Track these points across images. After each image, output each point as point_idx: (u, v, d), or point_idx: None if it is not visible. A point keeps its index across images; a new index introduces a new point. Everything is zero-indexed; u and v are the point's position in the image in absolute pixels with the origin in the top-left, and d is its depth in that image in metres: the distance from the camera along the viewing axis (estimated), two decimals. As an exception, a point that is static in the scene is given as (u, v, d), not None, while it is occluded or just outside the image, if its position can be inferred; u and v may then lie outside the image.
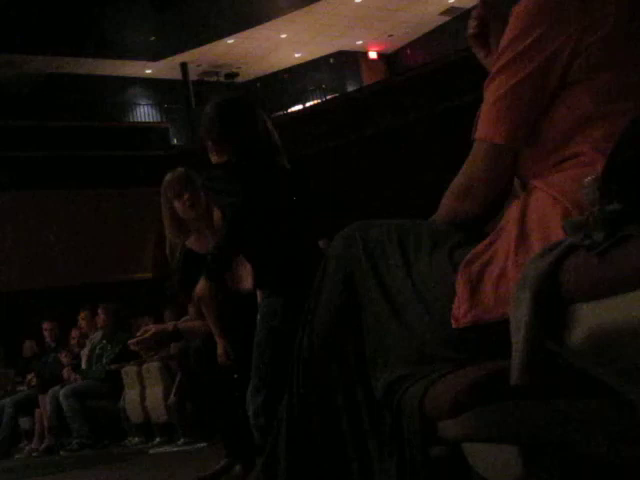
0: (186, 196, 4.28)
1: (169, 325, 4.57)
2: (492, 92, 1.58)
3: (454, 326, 1.50)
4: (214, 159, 3.48)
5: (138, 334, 4.29)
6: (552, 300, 1.26)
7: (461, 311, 1.49)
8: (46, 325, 10.26)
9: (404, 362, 1.58)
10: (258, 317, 3.40)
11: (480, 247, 1.54)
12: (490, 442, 1.44)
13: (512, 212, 1.55)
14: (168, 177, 4.43)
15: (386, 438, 1.59)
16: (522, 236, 1.48)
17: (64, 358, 9.47)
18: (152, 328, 4.32)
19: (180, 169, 4.46)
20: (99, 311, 9.12)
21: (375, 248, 1.68)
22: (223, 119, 3.43)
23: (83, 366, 9.20)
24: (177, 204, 4.33)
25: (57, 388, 8.88)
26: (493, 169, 1.60)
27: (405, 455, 1.54)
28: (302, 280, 2.82)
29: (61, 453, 8.65)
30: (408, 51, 24.44)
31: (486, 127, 1.59)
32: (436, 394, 1.46)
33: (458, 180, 1.67)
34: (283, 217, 3.35)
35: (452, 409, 1.41)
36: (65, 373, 9.24)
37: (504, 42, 1.58)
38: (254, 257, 3.46)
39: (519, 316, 1.28)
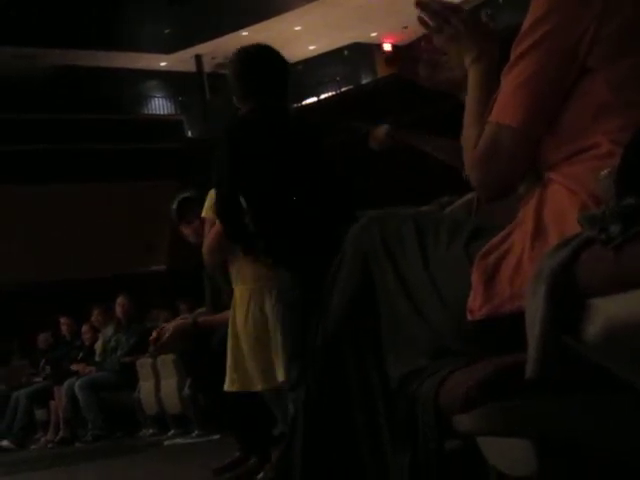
0: (197, 223, 4.20)
1: (187, 321, 4.51)
2: (513, 78, 1.55)
3: (469, 319, 1.49)
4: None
5: (155, 334, 4.18)
6: (568, 294, 1.25)
7: (476, 304, 1.48)
8: (63, 320, 10.31)
9: (419, 353, 1.58)
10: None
11: (496, 240, 1.53)
12: (505, 436, 1.44)
13: (528, 205, 1.54)
14: (174, 205, 4.33)
15: (400, 431, 1.59)
16: (538, 229, 1.47)
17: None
18: (170, 328, 4.19)
19: (187, 194, 4.39)
20: (117, 302, 9.14)
21: (392, 239, 1.67)
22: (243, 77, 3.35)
23: (97, 358, 9.24)
24: (186, 231, 4.27)
25: (72, 380, 8.93)
26: (513, 154, 1.57)
27: (419, 448, 1.53)
28: (315, 253, 2.80)
29: (76, 444, 8.70)
30: (423, 43, 24.36)
31: (505, 111, 1.56)
32: (451, 387, 1.46)
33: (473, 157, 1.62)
34: (299, 183, 3.27)
35: (467, 402, 1.41)
36: (75, 367, 9.29)
37: (525, 27, 1.54)
38: (267, 229, 3.38)
39: (534, 310, 1.27)
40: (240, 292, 3.66)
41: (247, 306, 3.61)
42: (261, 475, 3.77)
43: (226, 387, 3.65)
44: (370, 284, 1.67)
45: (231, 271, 3.77)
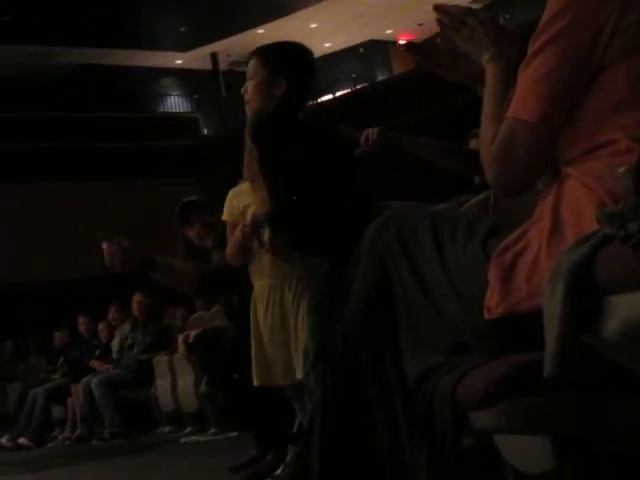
0: (198, 225, 4.19)
1: (208, 326, 4.53)
2: (530, 74, 1.54)
3: (486, 317, 1.49)
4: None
5: (180, 340, 4.24)
6: (586, 291, 1.25)
7: (493, 302, 1.48)
8: (81, 319, 10.34)
9: (437, 351, 1.58)
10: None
11: (513, 237, 1.53)
12: (522, 433, 1.44)
13: (546, 201, 1.53)
14: (178, 208, 4.31)
15: (418, 428, 1.59)
16: (555, 226, 1.46)
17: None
18: (192, 334, 4.24)
19: (191, 197, 4.37)
20: (133, 300, 9.17)
21: (409, 238, 1.66)
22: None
23: (114, 356, 9.27)
24: (190, 233, 4.25)
25: (89, 377, 8.96)
26: (531, 149, 1.56)
27: (437, 445, 1.53)
28: (341, 238, 2.77)
29: (93, 442, 8.73)
30: (438, 40, 24.31)
31: (523, 107, 1.55)
32: (468, 385, 1.45)
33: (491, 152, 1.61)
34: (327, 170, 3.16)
35: (484, 400, 1.40)
36: (93, 363, 9.34)
37: (543, 21, 1.53)
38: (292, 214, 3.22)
39: (552, 307, 1.27)
40: (260, 288, 3.64)
41: (267, 302, 3.59)
42: (278, 471, 3.76)
43: (255, 383, 3.64)
44: (387, 283, 1.67)
45: (249, 267, 3.74)
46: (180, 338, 7.33)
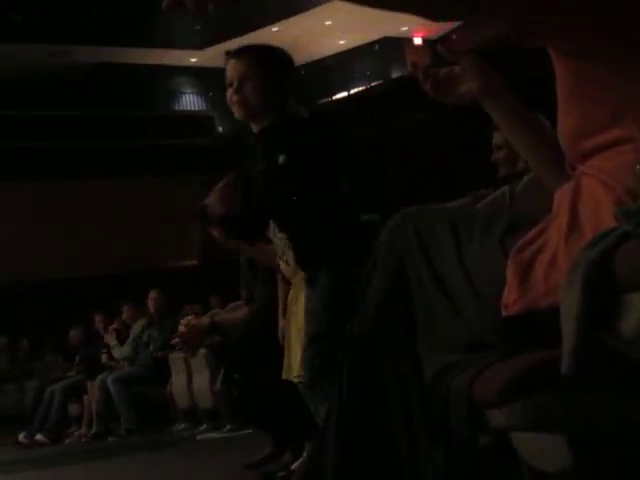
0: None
1: (205, 319, 4.55)
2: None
3: (504, 314, 1.49)
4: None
5: (178, 334, 4.27)
6: (604, 289, 1.24)
7: (511, 299, 1.47)
8: (98, 317, 10.38)
9: (453, 348, 1.57)
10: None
11: (531, 234, 1.52)
12: (539, 432, 1.43)
13: (563, 198, 1.52)
14: (200, 208, 4.25)
15: (435, 426, 1.58)
16: (573, 224, 1.45)
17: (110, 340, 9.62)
18: (184, 328, 4.25)
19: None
20: (148, 297, 9.20)
21: (426, 236, 1.66)
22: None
23: (129, 353, 9.30)
24: (214, 233, 4.22)
25: (105, 374, 9.00)
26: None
27: (453, 443, 1.53)
28: (347, 250, 2.77)
29: (109, 439, 8.77)
30: (454, 36, 24.24)
31: None
32: (484, 383, 1.45)
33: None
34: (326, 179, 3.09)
35: (501, 398, 1.40)
36: (104, 358, 9.40)
37: None
38: (295, 228, 3.19)
39: (570, 305, 1.27)
40: (297, 282, 3.59)
41: (297, 296, 3.56)
42: (294, 466, 3.74)
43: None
44: (404, 281, 1.67)
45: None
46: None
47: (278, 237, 3.44)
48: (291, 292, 3.62)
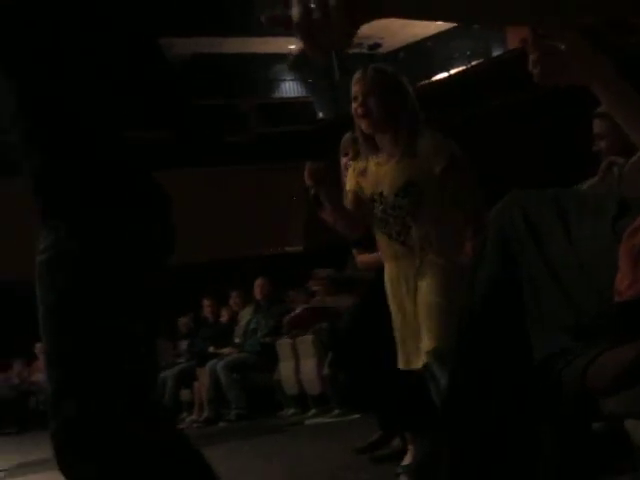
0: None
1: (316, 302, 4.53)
2: None
3: (617, 300, 1.45)
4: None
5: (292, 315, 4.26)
6: None
7: (624, 285, 1.44)
8: (207, 302, 10.55)
9: (564, 334, 1.55)
10: None
11: (642, 219, 1.49)
12: (655, 418, 1.40)
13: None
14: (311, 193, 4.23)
15: (546, 413, 1.56)
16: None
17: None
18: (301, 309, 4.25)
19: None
20: (255, 284, 9.31)
21: (535, 220, 1.64)
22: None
23: (238, 340, 9.43)
24: (325, 217, 4.19)
25: (215, 361, 9.15)
26: None
27: (566, 430, 1.51)
28: None
29: (220, 424, 8.92)
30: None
31: None
32: (598, 369, 1.42)
33: None
34: None
35: (615, 385, 1.37)
36: (212, 349, 9.54)
37: None
38: None
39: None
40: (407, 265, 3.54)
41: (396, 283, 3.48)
42: (407, 460, 3.68)
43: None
44: (512, 264, 1.65)
45: None
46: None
47: (393, 215, 3.41)
48: (391, 273, 3.50)
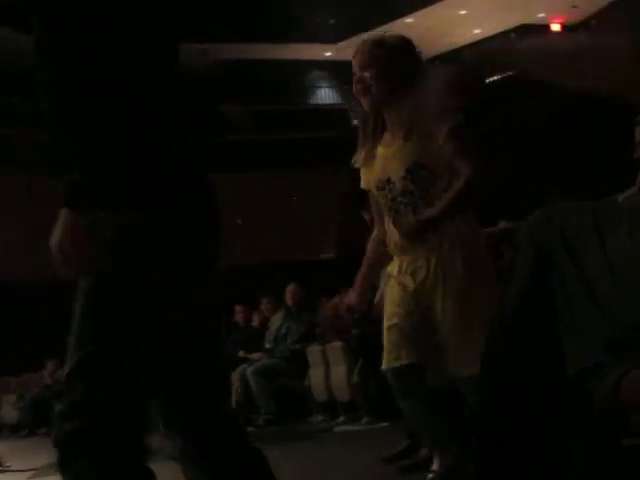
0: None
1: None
2: None
3: (653, 312, 1.44)
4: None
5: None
6: None
7: (661, 298, 1.43)
8: (239, 308, 10.56)
9: (598, 348, 1.53)
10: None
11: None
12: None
13: None
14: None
15: (578, 427, 1.55)
16: None
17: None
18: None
19: None
20: (287, 290, 9.31)
21: (571, 233, 1.62)
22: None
23: (268, 345, 9.43)
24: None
25: (245, 366, 9.15)
26: None
27: (596, 445, 1.49)
28: None
29: (249, 429, 8.92)
30: (594, 22, 23.58)
31: None
32: (631, 385, 1.41)
33: None
34: None
35: (647, 400, 1.36)
36: (244, 353, 9.55)
37: None
38: None
39: None
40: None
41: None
42: (435, 466, 3.55)
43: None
44: (547, 276, 1.63)
45: None
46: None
47: (404, 203, 3.16)
48: (406, 268, 3.19)
